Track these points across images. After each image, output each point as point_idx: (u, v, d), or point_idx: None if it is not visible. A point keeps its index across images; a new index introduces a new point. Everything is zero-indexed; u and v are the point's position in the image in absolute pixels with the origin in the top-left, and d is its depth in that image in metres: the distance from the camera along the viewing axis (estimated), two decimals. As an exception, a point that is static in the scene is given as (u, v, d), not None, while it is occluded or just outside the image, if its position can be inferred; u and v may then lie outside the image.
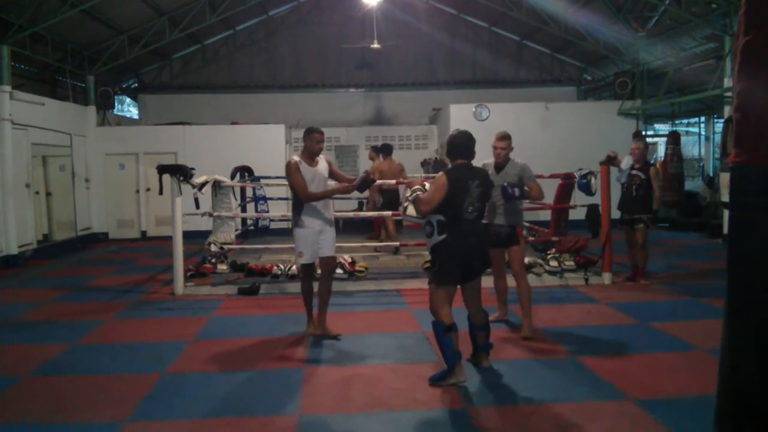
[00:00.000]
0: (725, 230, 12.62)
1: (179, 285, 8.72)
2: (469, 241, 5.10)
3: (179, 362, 5.84)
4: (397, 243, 10.37)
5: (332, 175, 6.59)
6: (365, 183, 6.45)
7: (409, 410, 4.58)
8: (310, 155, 6.41)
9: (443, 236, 5.08)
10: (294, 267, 9.24)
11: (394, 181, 10.30)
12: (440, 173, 5.29)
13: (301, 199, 6.31)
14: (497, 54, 19.57)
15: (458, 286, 5.25)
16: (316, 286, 6.63)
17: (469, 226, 5.11)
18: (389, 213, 10.32)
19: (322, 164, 6.47)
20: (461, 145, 5.25)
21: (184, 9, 15.34)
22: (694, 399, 4.61)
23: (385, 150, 11.71)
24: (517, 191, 6.25)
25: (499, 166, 6.56)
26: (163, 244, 13.03)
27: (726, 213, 12.43)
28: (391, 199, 11.11)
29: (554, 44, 18.82)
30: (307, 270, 6.61)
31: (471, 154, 5.27)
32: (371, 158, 12.37)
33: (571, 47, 18.29)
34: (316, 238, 6.40)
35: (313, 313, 6.64)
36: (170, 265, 8.97)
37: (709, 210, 15.81)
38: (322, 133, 6.45)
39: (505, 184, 6.29)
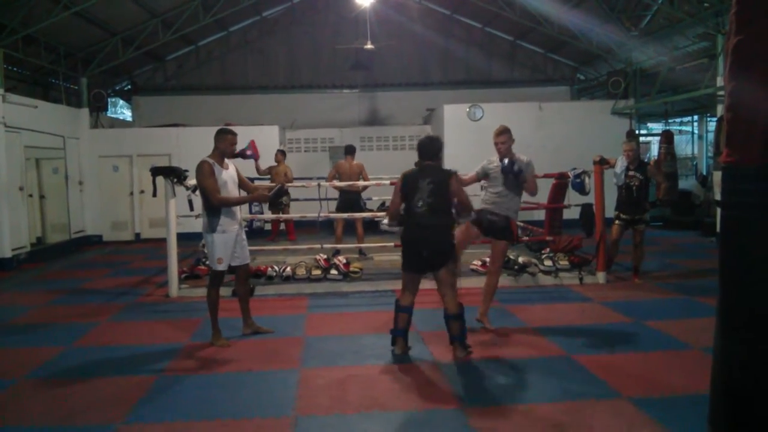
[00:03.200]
0: (719, 229, 12.68)
1: (174, 287, 8.71)
2: (417, 232, 5.68)
3: (174, 364, 5.83)
4: (338, 246, 10.39)
5: (241, 183, 6.56)
6: (278, 194, 6.70)
7: (405, 411, 4.59)
8: (222, 157, 6.30)
9: (402, 228, 5.86)
10: (288, 269, 9.25)
11: (348, 184, 10.39)
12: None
13: (214, 203, 6.13)
14: (491, 54, 19.60)
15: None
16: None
17: (419, 219, 5.65)
18: (344, 215, 10.39)
19: (231, 168, 6.40)
20: (422, 147, 5.87)
21: (178, 10, 15.32)
22: (689, 397, 4.62)
23: (348, 150, 11.69)
24: (516, 166, 6.36)
25: (501, 158, 6.61)
26: (157, 246, 12.99)
27: (719, 212, 12.53)
28: (351, 199, 11.03)
29: (547, 44, 18.86)
30: (220, 278, 6.48)
31: (431, 155, 5.80)
32: (277, 161, 12.90)
33: (564, 47, 18.33)
34: (233, 245, 6.36)
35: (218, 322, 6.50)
36: (165, 268, 8.95)
37: (703, 208, 15.87)
38: (235, 135, 6.38)
39: (506, 160, 6.42)
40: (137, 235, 15.62)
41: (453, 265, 5.75)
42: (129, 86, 19.12)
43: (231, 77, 19.06)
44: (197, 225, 10.58)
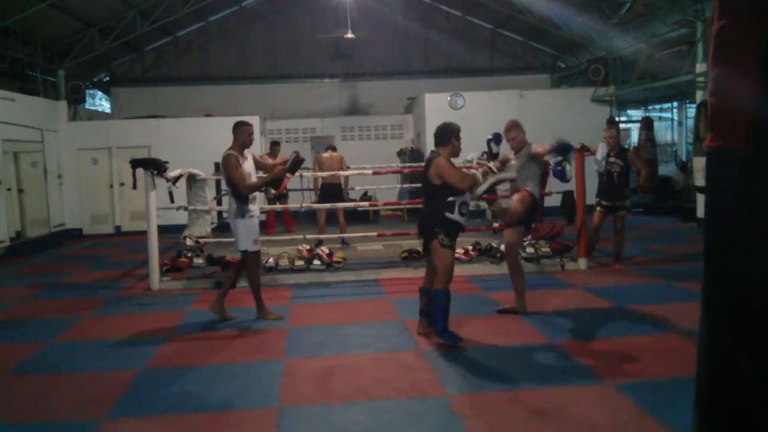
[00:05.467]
0: (699, 214, 12.82)
1: (155, 280, 8.65)
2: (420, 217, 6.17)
3: (157, 358, 5.80)
4: (322, 236, 10.38)
5: (257, 166, 6.97)
6: (296, 163, 6.72)
7: (390, 399, 4.59)
8: (242, 148, 6.70)
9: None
10: (271, 259, 9.22)
11: (333, 173, 10.43)
12: None
13: (242, 191, 6.56)
14: (471, 43, 19.58)
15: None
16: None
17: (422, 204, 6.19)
18: (327, 206, 10.37)
19: (249, 158, 6.83)
20: (435, 135, 5.97)
21: (156, 1, 15.13)
22: (672, 381, 4.66)
23: (329, 146, 12.03)
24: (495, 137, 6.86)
25: (516, 152, 6.80)
26: (138, 239, 12.87)
27: (700, 197, 12.61)
28: (332, 191, 11.05)
29: (528, 32, 18.87)
30: (257, 257, 6.96)
31: (438, 141, 5.91)
32: (273, 153, 12.59)
33: (544, 35, 18.35)
34: (258, 227, 6.87)
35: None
36: (146, 260, 8.90)
37: (683, 194, 16.01)
38: (252, 126, 6.82)
39: (490, 136, 6.85)
40: (117, 228, 15.49)
41: (440, 250, 5.74)
42: (107, 78, 18.92)
43: (210, 68, 18.90)
44: (178, 217, 10.64)
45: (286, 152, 15.77)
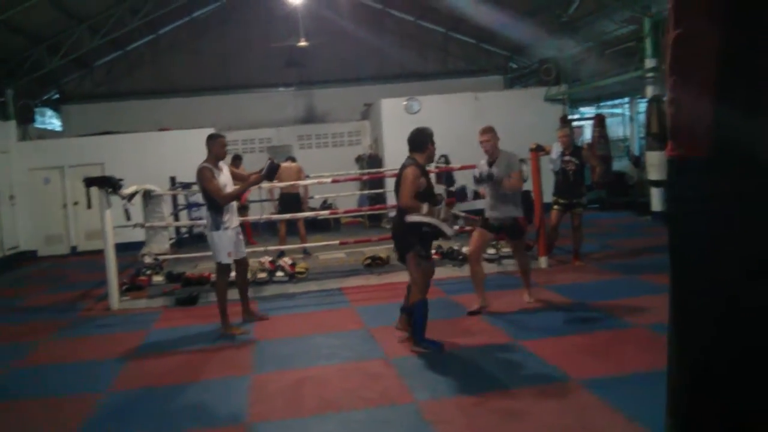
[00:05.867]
0: (654, 207, 13.09)
1: (115, 300, 8.49)
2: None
3: (122, 379, 5.69)
4: (283, 247, 10.33)
5: (234, 176, 6.97)
6: (271, 170, 6.77)
7: (360, 410, 4.58)
8: (217, 160, 6.77)
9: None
10: (233, 273, 9.10)
11: (292, 183, 10.38)
12: None
13: (220, 202, 6.61)
14: (424, 47, 19.69)
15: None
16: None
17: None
18: (286, 216, 10.31)
19: (225, 169, 6.87)
20: (410, 141, 5.90)
21: (104, 15, 14.89)
22: (639, 376, 4.73)
23: (288, 157, 12.13)
24: (480, 174, 6.62)
25: (492, 159, 6.78)
26: (95, 259, 12.63)
27: (654, 191, 12.86)
28: (291, 201, 11.01)
29: (479, 35, 19.05)
30: (228, 269, 6.99)
31: (412, 148, 5.87)
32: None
33: (495, 37, 18.55)
34: (236, 239, 6.89)
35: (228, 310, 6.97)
36: (104, 280, 8.73)
37: (637, 189, 16.32)
38: (224, 137, 6.99)
39: (476, 171, 6.71)
40: (73, 248, 15.17)
41: (413, 260, 5.74)
42: (57, 95, 18.51)
43: (163, 81, 18.62)
44: (134, 234, 10.49)
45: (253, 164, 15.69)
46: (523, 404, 4.43)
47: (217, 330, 6.95)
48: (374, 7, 19.13)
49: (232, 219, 6.83)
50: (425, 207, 5.61)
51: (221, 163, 6.83)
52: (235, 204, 6.96)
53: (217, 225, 6.69)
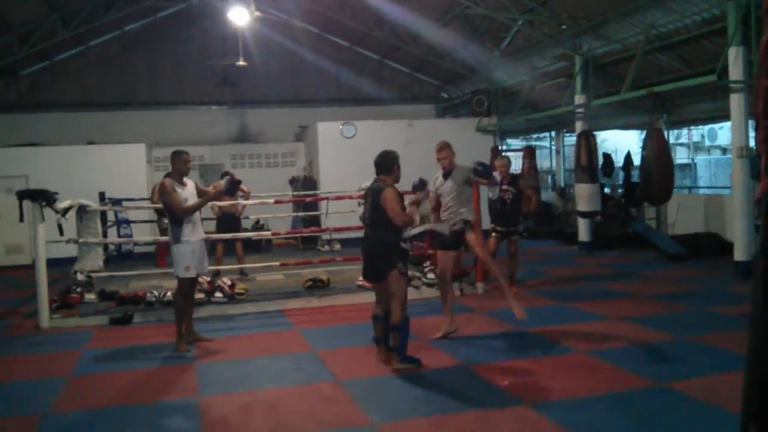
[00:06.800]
0: (581, 237, 13.55)
1: (45, 317, 8.13)
2: (363, 244, 6.12)
3: (60, 401, 5.46)
4: (220, 267, 9.97)
5: (200, 192, 7.08)
6: (232, 184, 7.08)
7: (317, 432, 4.57)
8: (180, 176, 6.86)
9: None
10: (169, 293, 8.91)
11: (230, 203, 10.09)
12: None
13: (180, 215, 6.68)
14: (360, 72, 19.88)
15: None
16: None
17: (366, 232, 6.09)
18: (227, 236, 10.12)
19: (190, 185, 6.96)
20: (376, 162, 6.08)
21: (33, 24, 14.41)
22: (585, 400, 4.92)
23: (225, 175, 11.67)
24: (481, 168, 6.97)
25: (447, 173, 6.96)
26: (17, 274, 12.15)
27: (581, 221, 13.32)
28: (229, 221, 10.77)
29: (413, 63, 19.45)
30: (190, 285, 6.99)
31: (382, 170, 6.03)
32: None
33: (428, 66, 18.98)
34: (198, 253, 6.85)
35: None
36: (30, 297, 8.37)
37: (562, 218, 16.92)
38: (188, 154, 7.02)
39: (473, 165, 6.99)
40: (-7, 263, 14.44)
41: (397, 277, 5.83)
42: (-22, 104, 17.69)
43: (91, 94, 18.08)
44: (62, 250, 10.09)
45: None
46: (478, 426, 4.52)
47: (153, 350, 6.80)
48: (311, 30, 19.21)
49: (194, 233, 6.81)
50: (417, 218, 5.90)
51: (186, 179, 6.92)
52: (198, 218, 6.95)
53: (177, 238, 6.72)
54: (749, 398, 1.45)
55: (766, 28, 1.40)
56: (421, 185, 6.47)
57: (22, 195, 8.14)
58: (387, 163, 6.02)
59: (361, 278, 9.50)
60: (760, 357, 1.43)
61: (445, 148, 7.00)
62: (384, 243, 5.87)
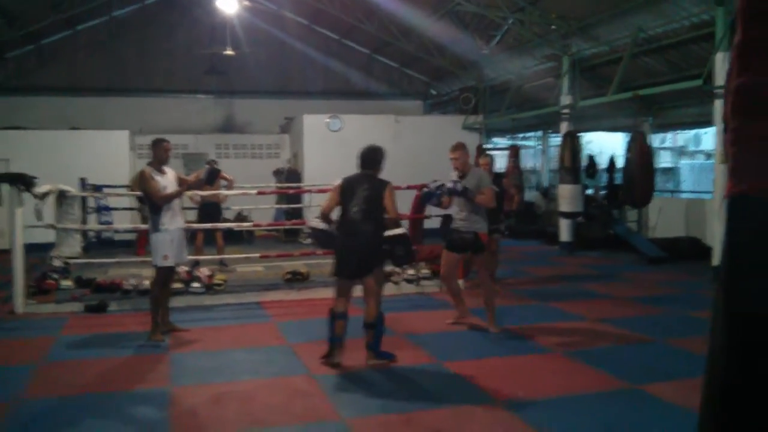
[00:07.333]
0: (562, 238, 13.60)
1: (20, 303, 8.05)
2: (350, 238, 5.75)
3: (32, 388, 5.42)
4: (199, 257, 9.88)
5: (181, 182, 7.03)
6: (212, 173, 7.21)
7: (287, 426, 4.56)
8: (160, 164, 6.84)
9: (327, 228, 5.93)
10: (146, 282, 8.84)
11: (211, 193, 10.04)
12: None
13: (158, 203, 6.65)
14: (348, 66, 19.79)
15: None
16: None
17: (352, 225, 5.76)
18: (207, 225, 10.07)
19: (170, 174, 6.91)
20: (363, 156, 6.01)
21: (21, 7, 14.21)
22: (559, 399, 4.94)
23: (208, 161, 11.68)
24: (459, 186, 6.67)
25: (462, 175, 6.89)
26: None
27: (563, 222, 13.37)
28: (211, 210, 10.76)
29: (402, 59, 19.40)
30: (167, 274, 6.93)
31: (371, 165, 5.96)
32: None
33: (418, 62, 18.93)
34: (177, 242, 6.80)
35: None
36: (6, 282, 8.28)
37: (544, 218, 16.97)
38: (169, 142, 7.01)
39: (450, 183, 6.74)
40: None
41: (380, 274, 5.91)
42: (-38, 85, 17.45)
43: (78, 78, 17.83)
44: (39, 235, 9.97)
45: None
46: (449, 424, 4.52)
47: (128, 339, 6.76)
48: (301, 22, 19.11)
49: (173, 221, 6.76)
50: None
51: (167, 168, 6.89)
52: (178, 206, 6.92)
53: (156, 226, 6.69)
54: (704, 403, 1.43)
55: (739, 29, 1.38)
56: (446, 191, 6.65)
57: (1, 179, 8.05)
58: (377, 158, 6.00)
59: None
60: (712, 364, 1.41)
61: (459, 148, 6.97)
62: (378, 238, 5.80)
